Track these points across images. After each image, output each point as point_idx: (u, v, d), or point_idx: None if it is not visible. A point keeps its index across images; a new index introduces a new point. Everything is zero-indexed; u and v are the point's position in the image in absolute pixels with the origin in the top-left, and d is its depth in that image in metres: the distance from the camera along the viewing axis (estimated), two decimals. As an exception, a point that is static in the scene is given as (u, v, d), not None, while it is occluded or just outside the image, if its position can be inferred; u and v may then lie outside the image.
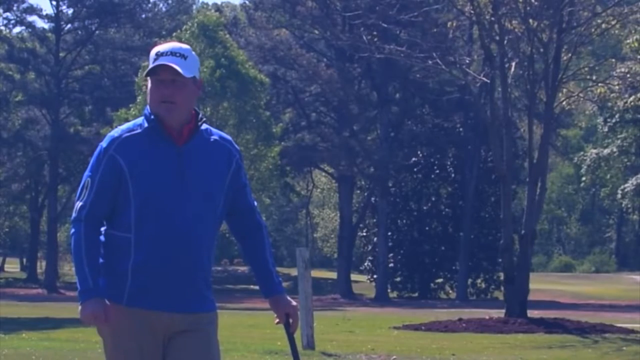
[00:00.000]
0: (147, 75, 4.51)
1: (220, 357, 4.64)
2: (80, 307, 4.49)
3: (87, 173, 4.53)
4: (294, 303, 4.74)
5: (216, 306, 4.66)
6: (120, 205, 4.45)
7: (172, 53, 4.49)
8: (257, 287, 4.77)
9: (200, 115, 4.58)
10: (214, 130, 4.65)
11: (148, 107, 4.56)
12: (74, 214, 4.53)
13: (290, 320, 4.71)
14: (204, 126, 4.59)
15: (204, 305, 4.56)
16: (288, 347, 4.83)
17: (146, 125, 4.52)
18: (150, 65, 4.50)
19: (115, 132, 4.56)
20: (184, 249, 4.44)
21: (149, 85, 4.52)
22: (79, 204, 4.52)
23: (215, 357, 4.56)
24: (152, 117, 4.50)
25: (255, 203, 4.78)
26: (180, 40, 40.72)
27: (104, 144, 4.52)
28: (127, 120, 42.87)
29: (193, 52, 4.57)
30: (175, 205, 4.42)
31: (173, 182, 4.45)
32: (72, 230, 4.53)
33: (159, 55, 4.50)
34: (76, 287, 4.58)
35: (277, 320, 4.74)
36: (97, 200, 4.48)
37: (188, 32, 41.16)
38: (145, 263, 4.43)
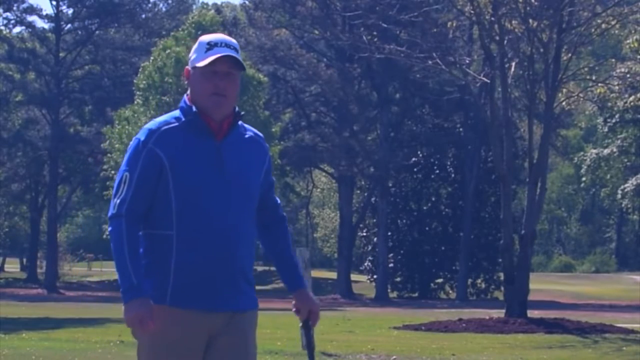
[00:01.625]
0: (203, 66, 4.36)
1: (256, 356, 4.59)
2: (124, 308, 4.29)
3: (123, 168, 4.37)
4: (317, 301, 4.67)
5: (257, 304, 4.58)
6: (160, 202, 4.33)
7: (227, 45, 4.39)
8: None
9: (237, 110, 4.49)
10: (247, 125, 4.58)
11: (186, 99, 4.45)
12: (112, 211, 4.35)
13: (313, 317, 4.67)
14: (239, 122, 4.53)
15: (247, 303, 4.48)
16: (304, 343, 4.80)
17: (184, 118, 4.41)
18: (207, 56, 4.36)
19: (151, 124, 4.42)
20: (227, 246, 4.35)
21: (195, 76, 4.40)
22: (117, 200, 4.33)
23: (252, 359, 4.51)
24: (193, 109, 4.40)
25: (279, 200, 4.75)
26: (177, 40, 40.81)
27: (141, 137, 4.37)
28: (127, 120, 42.74)
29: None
30: (216, 201, 4.33)
31: (213, 176, 4.35)
32: (111, 228, 4.37)
33: (212, 45, 4.38)
34: (117, 285, 4.40)
35: (298, 314, 4.67)
36: (137, 195, 4.32)
37: (185, 31, 41.12)
38: (189, 261, 4.32)
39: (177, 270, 4.33)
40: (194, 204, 4.31)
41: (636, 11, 25.61)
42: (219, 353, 4.43)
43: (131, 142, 4.42)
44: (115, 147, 40.88)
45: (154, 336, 4.36)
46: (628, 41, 26.69)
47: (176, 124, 4.41)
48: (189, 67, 4.46)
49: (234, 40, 4.46)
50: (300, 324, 4.71)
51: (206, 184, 4.34)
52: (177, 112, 4.46)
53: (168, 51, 39.27)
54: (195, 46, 4.46)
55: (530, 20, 24.56)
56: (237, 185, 4.40)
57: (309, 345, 4.75)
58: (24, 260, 75.94)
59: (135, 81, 41.19)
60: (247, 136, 4.53)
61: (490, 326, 22.55)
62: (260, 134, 4.63)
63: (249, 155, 4.48)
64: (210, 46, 4.38)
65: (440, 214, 56.09)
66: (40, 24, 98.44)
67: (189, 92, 4.48)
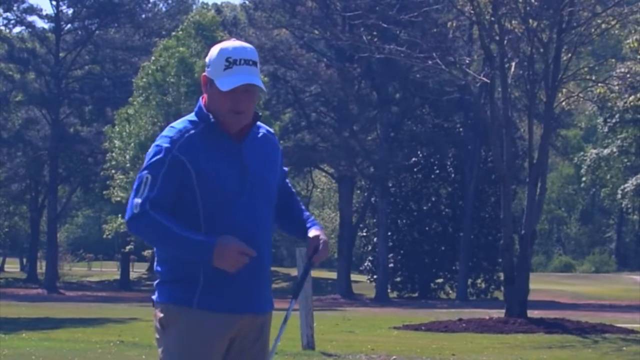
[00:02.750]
0: (225, 88, 4.32)
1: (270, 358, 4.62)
2: (215, 258, 4.20)
3: (143, 172, 4.32)
4: (323, 237, 4.58)
5: (273, 305, 4.60)
6: (187, 208, 4.30)
7: (246, 61, 4.34)
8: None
9: (257, 113, 4.49)
10: (259, 123, 4.57)
11: (202, 105, 4.42)
12: (133, 211, 4.28)
13: (321, 249, 4.57)
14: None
15: (267, 305, 4.53)
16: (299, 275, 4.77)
17: (203, 124, 4.39)
18: (229, 84, 4.29)
19: (170, 132, 4.38)
20: (252, 248, 4.32)
21: (214, 89, 4.36)
22: (137, 200, 4.27)
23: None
24: (211, 118, 4.38)
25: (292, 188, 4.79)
26: (177, 40, 40.83)
27: (164, 144, 4.33)
28: (128, 119, 42.67)
29: (257, 54, 4.43)
30: (240, 204, 4.34)
31: (237, 180, 4.36)
32: (139, 226, 4.29)
33: (231, 63, 4.32)
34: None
35: (311, 250, 4.59)
36: (160, 193, 4.28)
37: (185, 31, 41.14)
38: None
39: (206, 275, 4.33)
40: (222, 209, 4.32)
41: (636, 11, 25.61)
42: (239, 354, 4.47)
43: (150, 150, 4.38)
44: (116, 146, 40.90)
45: (180, 338, 4.36)
46: (628, 41, 26.70)
47: (195, 130, 4.39)
48: (206, 75, 4.40)
49: (252, 49, 4.40)
50: (309, 257, 4.63)
51: (232, 188, 4.35)
52: (192, 116, 4.44)
53: (172, 50, 39.27)
54: (213, 54, 4.39)
55: (530, 20, 24.56)
56: (260, 188, 4.43)
57: (302, 277, 4.75)
58: (24, 260, 75.95)
59: (134, 80, 41.20)
60: (260, 135, 4.54)
61: (490, 326, 22.56)
62: (271, 130, 4.64)
63: (266, 155, 4.51)
64: (229, 64, 4.32)
65: (440, 214, 56.09)
66: (40, 24, 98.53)
67: (205, 96, 4.46)
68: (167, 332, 4.40)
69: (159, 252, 4.44)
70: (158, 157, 4.32)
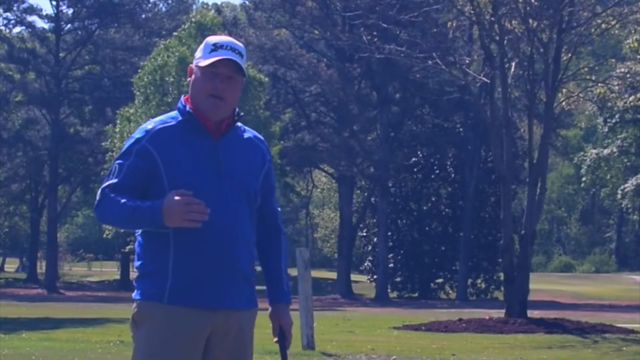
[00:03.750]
0: (204, 66, 4.35)
1: (252, 357, 4.56)
2: (165, 219, 4.17)
3: (115, 161, 4.37)
4: (291, 319, 4.61)
5: (257, 304, 4.54)
6: (157, 198, 4.26)
7: (232, 49, 4.38)
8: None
9: (237, 111, 4.47)
10: (247, 128, 4.56)
11: (183, 100, 4.44)
12: (97, 197, 4.33)
13: (285, 335, 4.59)
14: (238, 123, 4.51)
15: (245, 302, 4.45)
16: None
17: (181, 117, 4.41)
18: (210, 57, 4.36)
19: (148, 124, 4.43)
20: (224, 244, 4.31)
21: (197, 75, 4.40)
22: (102, 186, 4.33)
23: (249, 358, 4.49)
24: (188, 109, 4.39)
25: (280, 209, 4.69)
26: (179, 40, 40.82)
27: (137, 134, 4.38)
28: (129, 119, 42.75)
29: (245, 51, 4.47)
30: (212, 198, 4.28)
31: (210, 174, 4.34)
32: (100, 212, 4.33)
33: (217, 47, 4.37)
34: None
35: (273, 332, 4.61)
36: (124, 181, 4.30)
37: (186, 32, 41.12)
38: (186, 258, 4.29)
39: (175, 269, 4.30)
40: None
41: (636, 11, 25.59)
42: (217, 352, 4.40)
43: (126, 140, 4.43)
44: (117, 145, 40.89)
45: (151, 334, 4.33)
46: (628, 41, 26.69)
47: (173, 123, 4.40)
48: (192, 65, 4.45)
49: (241, 45, 4.45)
50: (275, 339, 4.64)
51: (202, 181, 4.31)
52: (174, 113, 4.46)
53: (172, 50, 39.27)
54: (201, 46, 4.46)
55: (530, 20, 24.55)
56: (234, 184, 4.38)
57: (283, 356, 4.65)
58: (24, 260, 75.96)
59: (133, 80, 41.18)
60: (245, 137, 4.51)
61: (490, 326, 22.56)
62: (261, 137, 4.59)
63: (247, 156, 4.46)
64: (216, 47, 4.38)
65: (440, 214, 56.10)
66: (40, 24, 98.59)
67: (188, 92, 4.47)
68: (139, 329, 4.38)
69: (137, 247, 4.44)
70: (128, 147, 4.37)
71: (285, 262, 4.69)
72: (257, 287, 4.59)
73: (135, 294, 4.42)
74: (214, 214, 4.26)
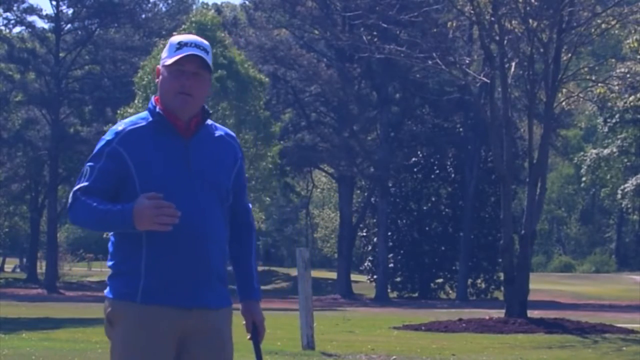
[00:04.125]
0: (169, 64, 4.39)
1: (232, 353, 4.56)
2: (135, 218, 4.20)
3: (86, 164, 4.40)
4: (262, 315, 4.64)
5: (231, 301, 4.56)
6: (129, 199, 4.29)
7: (197, 45, 4.41)
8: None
9: (206, 109, 4.50)
10: (218, 125, 4.58)
11: (153, 100, 4.47)
12: (69, 201, 4.38)
13: (258, 330, 4.62)
14: (209, 121, 4.52)
15: (219, 300, 4.46)
16: (254, 357, 4.68)
17: (151, 118, 4.43)
18: (175, 55, 4.39)
19: (118, 125, 4.45)
20: (196, 243, 4.34)
21: (164, 75, 4.42)
22: (74, 189, 4.36)
23: (228, 356, 4.49)
24: (158, 110, 4.42)
25: (250, 205, 4.71)
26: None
27: (107, 136, 4.40)
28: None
29: (211, 48, 4.50)
30: (184, 198, 4.31)
31: (181, 174, 4.35)
32: (72, 215, 4.37)
33: (182, 45, 4.40)
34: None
35: (246, 329, 4.63)
36: (95, 184, 4.33)
37: (185, 31, 41.10)
38: (158, 258, 4.32)
39: (147, 268, 4.33)
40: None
41: (636, 11, 25.59)
42: (194, 352, 4.42)
43: (98, 141, 4.45)
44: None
45: (125, 333, 4.36)
46: (628, 41, 26.68)
47: (143, 123, 4.42)
48: (159, 66, 4.47)
49: (205, 42, 4.48)
50: (249, 336, 4.66)
51: (173, 182, 4.33)
52: (145, 113, 4.49)
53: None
54: (166, 46, 4.48)
55: (530, 20, 24.55)
56: (206, 183, 4.40)
57: (258, 357, 4.67)
58: (24, 260, 75.95)
59: (134, 79, 41.17)
60: (217, 135, 4.53)
61: (490, 326, 22.55)
62: (232, 134, 4.61)
63: (219, 154, 4.48)
64: (180, 46, 4.40)
65: (440, 214, 56.10)
66: (40, 24, 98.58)
67: (158, 91, 4.49)
68: (114, 329, 4.42)
69: (110, 246, 4.48)
70: (99, 149, 4.39)
71: (255, 260, 4.70)
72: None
73: (107, 292, 4.47)
74: (187, 214, 4.29)
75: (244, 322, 4.63)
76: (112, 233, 4.44)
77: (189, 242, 4.34)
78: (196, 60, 4.38)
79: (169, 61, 4.39)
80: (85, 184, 4.34)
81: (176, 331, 4.37)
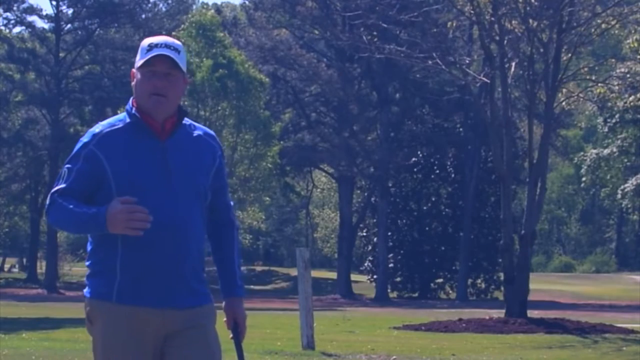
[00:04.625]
0: (141, 66, 4.40)
1: (220, 350, 4.57)
2: (108, 226, 4.24)
3: (65, 165, 4.43)
4: (245, 313, 4.65)
5: (212, 299, 4.55)
6: (104, 202, 4.31)
7: (167, 46, 4.42)
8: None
9: (182, 109, 4.52)
10: (197, 125, 4.59)
11: (131, 102, 4.48)
12: (47, 202, 4.42)
13: (239, 328, 4.62)
14: (187, 121, 4.53)
15: (197, 299, 4.47)
16: (236, 356, 4.67)
17: (128, 120, 4.45)
18: (145, 56, 4.40)
19: (96, 127, 4.46)
20: (173, 243, 4.36)
21: (137, 77, 4.44)
22: (51, 191, 4.40)
23: (215, 352, 4.49)
24: (134, 111, 4.43)
25: (232, 203, 4.73)
26: (178, 40, 40.89)
27: (85, 138, 4.43)
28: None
29: (183, 48, 4.51)
30: (160, 199, 4.34)
31: (157, 176, 4.37)
32: (50, 216, 4.41)
33: (152, 46, 4.41)
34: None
35: (226, 326, 4.64)
36: (72, 186, 4.37)
37: (185, 31, 41.13)
38: (133, 258, 4.34)
39: (122, 268, 4.36)
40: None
41: (636, 11, 25.60)
42: (179, 351, 4.43)
43: (76, 143, 4.48)
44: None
45: (104, 333, 4.40)
46: (628, 41, 26.69)
47: (120, 125, 4.45)
48: (133, 69, 4.50)
49: (177, 42, 4.50)
50: (230, 336, 4.66)
51: (149, 184, 4.35)
52: (123, 115, 4.51)
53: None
54: (139, 49, 4.51)
55: (530, 20, 24.55)
56: (183, 184, 4.41)
57: (239, 355, 4.66)
58: (24, 260, 75.96)
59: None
60: (195, 135, 4.54)
61: (490, 326, 22.55)
62: (211, 133, 4.63)
63: (196, 154, 4.49)
64: (151, 47, 4.42)
65: (440, 214, 56.09)
66: (40, 24, 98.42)
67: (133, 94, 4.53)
68: (94, 327, 4.46)
69: (88, 245, 4.51)
70: (76, 151, 4.43)
71: (239, 257, 4.71)
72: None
73: (86, 292, 4.49)
74: (163, 215, 4.32)
75: (225, 319, 4.63)
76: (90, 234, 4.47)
77: (165, 242, 4.36)
78: (167, 61, 4.40)
79: (140, 62, 4.41)
80: (63, 185, 4.38)
81: (154, 331, 4.40)
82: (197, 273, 4.47)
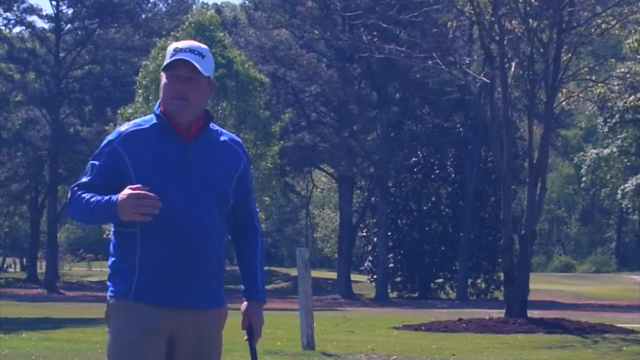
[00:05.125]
0: (163, 69, 4.50)
1: (220, 357, 4.61)
2: (119, 209, 4.30)
3: (89, 161, 4.53)
4: (262, 317, 4.69)
5: (225, 302, 4.61)
6: None
7: (191, 50, 4.50)
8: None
9: (208, 113, 4.58)
10: (224, 131, 4.66)
11: (158, 103, 4.57)
12: (69, 196, 4.51)
13: (254, 331, 4.67)
14: (215, 126, 4.61)
15: (212, 301, 4.52)
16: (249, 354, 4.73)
17: (154, 121, 4.53)
18: (168, 60, 4.49)
19: (123, 126, 4.58)
20: (190, 243, 4.41)
21: (163, 80, 4.53)
22: (72, 185, 4.49)
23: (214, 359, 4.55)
24: (159, 113, 4.52)
25: (257, 210, 4.78)
26: (177, 40, 40.87)
27: (110, 136, 4.53)
28: (129, 119, 43.01)
29: (210, 53, 4.58)
30: (180, 199, 4.40)
31: (178, 176, 4.44)
32: (71, 210, 4.48)
33: (177, 51, 4.50)
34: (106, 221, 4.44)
35: (241, 326, 4.68)
36: (93, 181, 4.46)
37: (185, 31, 41.12)
38: (152, 257, 4.40)
39: (141, 267, 4.42)
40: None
41: (636, 11, 25.60)
42: (180, 350, 4.48)
43: (103, 141, 4.57)
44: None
45: (118, 329, 4.45)
46: (628, 41, 26.70)
47: (146, 126, 4.54)
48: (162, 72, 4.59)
49: (203, 46, 4.56)
50: (245, 337, 4.71)
51: (169, 183, 4.41)
52: (150, 116, 4.60)
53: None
54: (166, 53, 4.60)
55: (530, 20, 24.55)
56: (202, 186, 4.47)
57: (253, 357, 4.73)
58: (24, 260, 75.96)
59: (137, 79, 41.19)
60: (220, 140, 4.60)
61: (490, 326, 22.55)
62: (238, 139, 4.69)
63: (220, 158, 4.55)
64: (175, 52, 4.51)
65: (440, 214, 56.09)
66: (40, 24, 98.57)
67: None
68: (109, 324, 4.51)
69: (110, 246, 4.58)
70: (101, 148, 4.53)
71: (262, 263, 4.75)
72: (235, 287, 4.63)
73: (108, 292, 4.56)
74: (180, 214, 4.39)
75: (242, 320, 4.67)
76: (112, 233, 4.52)
77: (183, 242, 4.41)
78: (188, 65, 4.46)
79: (164, 66, 4.51)
80: (84, 180, 4.48)
81: (166, 329, 4.44)
82: (214, 275, 4.53)
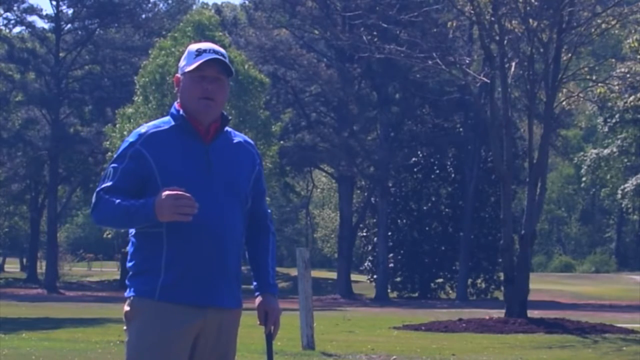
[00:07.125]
0: (190, 71, 4.49)
1: (235, 357, 4.65)
2: (157, 210, 4.30)
3: (110, 165, 4.52)
4: (279, 307, 4.70)
5: (242, 304, 4.63)
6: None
7: (215, 52, 4.54)
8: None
9: (225, 115, 4.62)
10: (237, 132, 4.70)
11: (176, 105, 4.57)
12: (93, 201, 4.47)
13: (272, 322, 4.66)
14: (228, 128, 4.64)
15: (234, 301, 4.56)
16: (265, 350, 4.75)
17: (173, 122, 4.54)
18: (195, 61, 4.49)
19: (141, 128, 4.57)
20: (217, 243, 4.44)
21: (185, 82, 4.53)
22: (97, 189, 4.47)
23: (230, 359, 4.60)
24: (181, 113, 4.53)
25: (270, 211, 4.82)
26: (174, 40, 40.81)
27: (130, 138, 4.52)
28: (129, 119, 42.76)
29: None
30: (204, 198, 4.40)
31: (201, 176, 4.47)
32: (96, 214, 4.45)
33: (201, 52, 4.52)
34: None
35: (259, 321, 4.69)
36: (118, 185, 4.44)
37: (181, 31, 41.07)
38: (179, 256, 4.41)
39: (167, 266, 4.43)
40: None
41: (636, 11, 25.59)
42: (203, 350, 4.50)
43: (121, 143, 4.55)
44: (116, 145, 40.87)
45: (140, 329, 4.44)
46: (628, 41, 26.68)
47: (165, 127, 4.54)
48: (178, 75, 4.59)
49: (222, 49, 4.60)
50: (266, 331, 4.70)
51: (194, 183, 4.42)
52: (167, 118, 4.60)
53: (172, 50, 39.24)
54: (184, 54, 4.60)
55: (530, 20, 24.55)
56: (226, 186, 4.50)
57: (269, 351, 4.74)
58: (24, 260, 75.95)
59: (136, 78, 41.18)
60: (235, 141, 4.64)
61: (490, 326, 22.55)
62: (251, 141, 4.74)
63: (238, 159, 4.59)
64: (199, 53, 4.52)
65: (440, 214, 56.09)
66: (40, 24, 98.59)
67: (179, 99, 4.60)
68: (131, 324, 4.49)
69: (130, 247, 4.56)
70: (122, 150, 4.51)
71: (274, 261, 4.77)
72: (250, 287, 4.66)
73: (128, 292, 4.53)
74: (206, 214, 4.40)
75: (258, 314, 4.67)
76: (132, 235, 4.52)
77: (208, 242, 4.43)
78: (216, 65, 4.50)
79: (190, 68, 4.51)
80: (109, 184, 4.45)
81: (192, 329, 4.45)
82: (235, 273, 4.56)
